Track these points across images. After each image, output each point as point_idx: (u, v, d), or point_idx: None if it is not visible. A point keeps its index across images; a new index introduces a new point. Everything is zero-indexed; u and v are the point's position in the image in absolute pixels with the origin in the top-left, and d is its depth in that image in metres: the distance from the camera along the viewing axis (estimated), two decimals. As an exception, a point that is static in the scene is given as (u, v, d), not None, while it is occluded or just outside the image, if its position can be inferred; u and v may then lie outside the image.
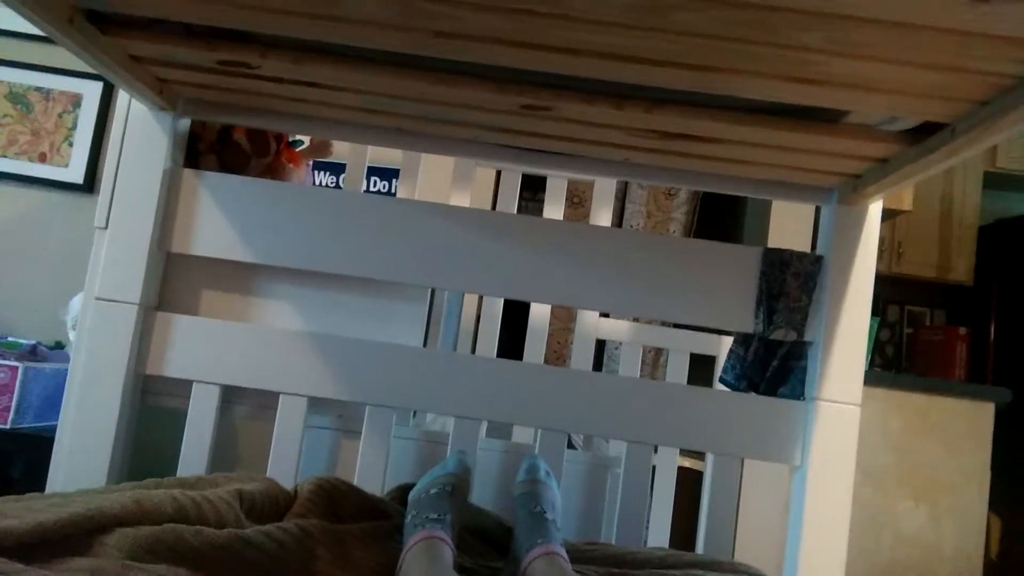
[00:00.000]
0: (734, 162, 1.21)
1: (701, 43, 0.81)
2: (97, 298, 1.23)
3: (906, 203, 3.27)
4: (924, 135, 0.99)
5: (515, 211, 1.90)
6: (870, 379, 2.86)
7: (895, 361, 4.11)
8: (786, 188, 1.29)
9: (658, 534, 1.84)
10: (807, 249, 1.35)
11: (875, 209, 1.25)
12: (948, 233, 3.76)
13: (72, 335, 2.08)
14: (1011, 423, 3.31)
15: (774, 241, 1.46)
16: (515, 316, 2.34)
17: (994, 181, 3.87)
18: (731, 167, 1.24)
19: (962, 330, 3.55)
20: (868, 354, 1.21)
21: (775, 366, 1.27)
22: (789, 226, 1.49)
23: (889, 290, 4.05)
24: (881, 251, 3.66)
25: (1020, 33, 0.69)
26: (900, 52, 0.77)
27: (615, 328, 2.01)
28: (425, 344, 1.40)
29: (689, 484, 2.27)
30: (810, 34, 0.75)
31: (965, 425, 2.96)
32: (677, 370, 1.98)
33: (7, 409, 2.00)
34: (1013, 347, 3.54)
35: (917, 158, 0.99)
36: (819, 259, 1.26)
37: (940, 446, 2.96)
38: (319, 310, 1.32)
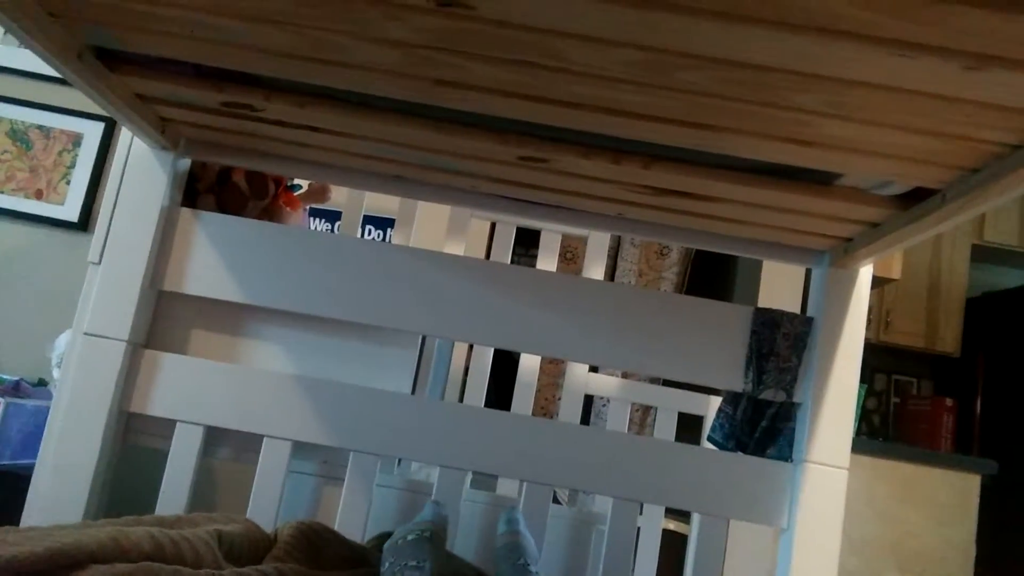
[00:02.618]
0: (728, 221, 1.22)
1: (700, 101, 0.83)
2: (86, 333, 1.22)
3: (895, 272, 3.31)
4: (915, 200, 1.01)
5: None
6: (857, 447, 2.85)
7: (882, 430, 4.10)
8: (778, 249, 1.30)
9: (641, 596, 1.81)
10: (796, 311, 1.36)
11: (866, 273, 1.26)
12: (936, 304, 3.79)
13: (56, 373, 2.06)
14: (997, 495, 3.30)
15: (764, 302, 1.47)
16: (503, 368, 2.33)
17: (981, 254, 3.93)
18: (725, 226, 1.25)
19: (949, 401, 3.56)
20: (855, 421, 1.21)
21: (764, 426, 1.26)
22: (779, 288, 1.50)
23: (877, 359, 4.06)
24: (869, 319, 3.68)
25: (1011, 102, 0.71)
26: (893, 117, 0.79)
27: (604, 384, 2.00)
28: (413, 391, 1.39)
29: (673, 547, 2.24)
30: (805, 96, 0.77)
31: (951, 496, 2.95)
32: (665, 428, 1.96)
33: (-15, 444, 1.98)
34: (999, 419, 3.54)
35: (908, 223, 1.01)
36: (810, 320, 1.26)
37: (926, 517, 2.94)
38: (309, 353, 1.31)
